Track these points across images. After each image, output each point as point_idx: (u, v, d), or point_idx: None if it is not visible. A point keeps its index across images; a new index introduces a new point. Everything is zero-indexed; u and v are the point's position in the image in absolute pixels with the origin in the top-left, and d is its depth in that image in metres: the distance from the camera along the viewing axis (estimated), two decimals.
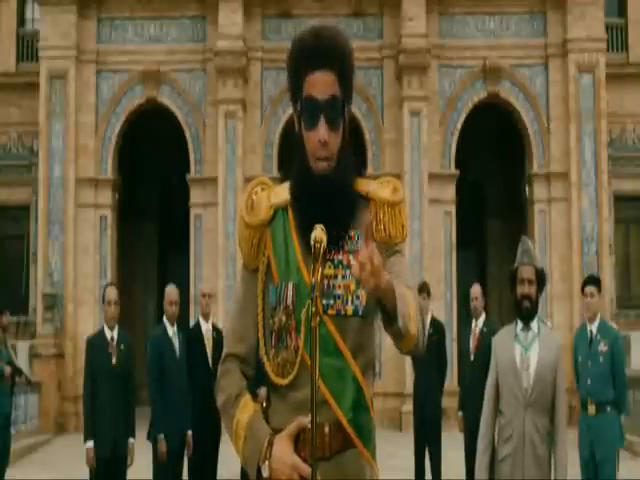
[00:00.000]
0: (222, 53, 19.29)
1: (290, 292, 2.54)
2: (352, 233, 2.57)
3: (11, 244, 22.18)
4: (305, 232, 2.49)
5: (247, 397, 2.60)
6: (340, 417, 2.50)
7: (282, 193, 2.64)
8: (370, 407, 2.58)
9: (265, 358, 2.59)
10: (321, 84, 2.50)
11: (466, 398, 9.46)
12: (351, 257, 2.54)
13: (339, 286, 2.54)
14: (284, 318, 2.54)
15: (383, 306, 2.38)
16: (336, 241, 2.53)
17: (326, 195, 2.52)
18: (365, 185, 2.63)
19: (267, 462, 2.45)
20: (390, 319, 2.40)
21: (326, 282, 2.53)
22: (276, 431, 2.50)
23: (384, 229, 2.59)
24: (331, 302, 2.53)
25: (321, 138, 2.50)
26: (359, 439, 2.53)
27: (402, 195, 2.62)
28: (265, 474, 2.46)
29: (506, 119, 20.81)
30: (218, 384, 2.65)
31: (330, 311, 2.52)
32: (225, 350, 2.67)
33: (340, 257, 2.55)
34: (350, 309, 2.53)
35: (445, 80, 19.92)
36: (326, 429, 2.49)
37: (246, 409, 2.56)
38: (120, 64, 20.02)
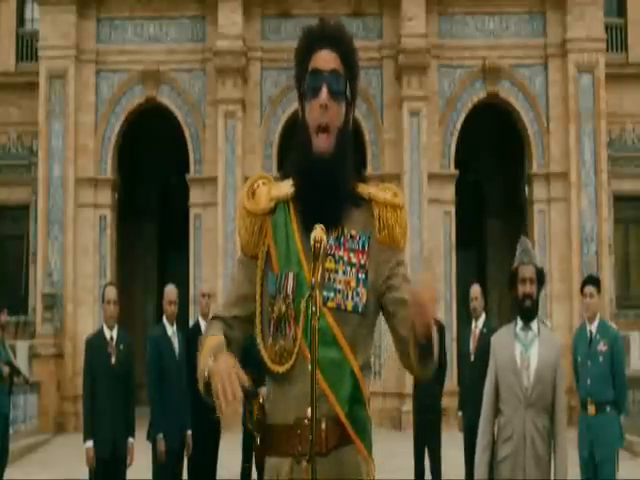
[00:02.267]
0: (222, 53, 19.29)
1: (290, 282, 2.56)
2: (354, 232, 2.59)
3: (11, 244, 22.18)
4: (306, 224, 2.52)
5: (220, 336, 2.59)
6: (338, 411, 2.51)
7: (283, 187, 2.67)
8: (367, 403, 2.59)
9: (262, 345, 2.60)
10: (325, 59, 2.61)
11: (466, 398, 9.46)
12: (352, 255, 2.57)
13: (339, 281, 2.56)
14: (283, 307, 2.55)
15: (414, 340, 2.40)
16: (337, 217, 2.56)
17: (325, 174, 2.55)
18: (366, 188, 2.66)
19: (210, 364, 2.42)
20: (422, 355, 2.42)
21: (327, 275, 2.55)
22: (276, 427, 2.52)
23: (387, 232, 2.61)
24: (331, 295, 2.55)
25: (322, 102, 2.56)
26: (356, 434, 2.54)
27: (402, 200, 2.66)
28: (205, 374, 2.42)
29: (506, 119, 20.81)
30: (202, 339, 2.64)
31: (330, 303, 2.54)
32: (211, 313, 2.73)
33: (341, 253, 2.58)
34: (350, 305, 2.55)
35: (445, 80, 19.92)
36: (323, 425, 2.49)
37: (213, 339, 2.55)
38: (120, 64, 20.02)
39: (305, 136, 2.60)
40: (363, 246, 2.59)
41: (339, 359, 2.52)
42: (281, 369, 2.54)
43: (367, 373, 2.60)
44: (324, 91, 2.57)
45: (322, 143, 2.57)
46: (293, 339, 2.53)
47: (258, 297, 2.62)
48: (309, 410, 2.36)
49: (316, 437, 2.43)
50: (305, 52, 2.65)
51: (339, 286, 2.56)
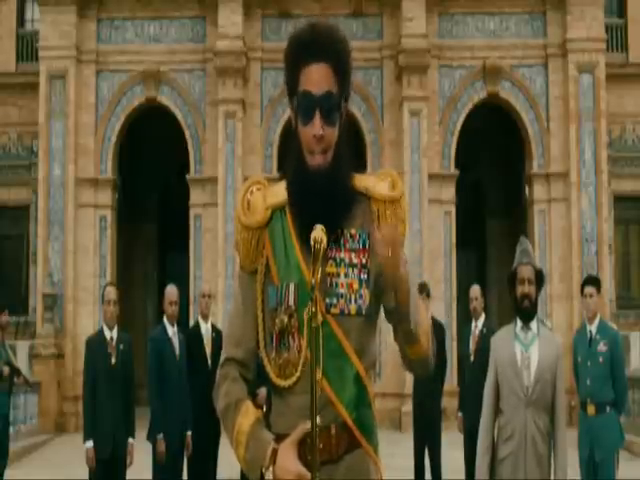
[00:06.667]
0: (222, 53, 19.29)
1: (292, 292, 2.50)
2: (353, 231, 2.54)
3: (11, 244, 22.18)
4: (304, 230, 2.46)
5: (248, 403, 2.56)
6: (345, 417, 2.48)
7: (279, 193, 2.59)
8: (372, 404, 2.56)
9: (266, 360, 2.55)
10: (317, 78, 2.47)
11: (466, 398, 9.46)
12: (353, 255, 2.52)
13: (342, 285, 2.50)
14: (286, 319, 2.50)
15: (394, 303, 2.41)
16: (334, 232, 2.49)
17: (321, 189, 2.47)
18: (364, 181, 2.58)
19: (271, 469, 2.42)
20: (400, 317, 2.43)
21: (329, 280, 2.50)
22: (280, 436, 2.47)
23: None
24: (334, 301, 2.49)
25: (316, 133, 2.46)
26: (364, 438, 2.51)
27: (401, 189, 2.58)
28: (263, 470, 2.43)
29: (506, 119, 20.81)
30: (217, 389, 2.61)
31: (333, 310, 2.49)
32: (223, 354, 2.64)
33: (342, 255, 2.52)
34: (353, 308, 2.50)
35: (445, 80, 19.92)
36: (332, 431, 2.46)
37: (247, 415, 2.52)
38: (120, 64, 20.02)
39: (299, 152, 2.52)
40: (364, 244, 2.53)
41: (344, 366, 2.48)
42: (286, 383, 2.49)
43: (371, 374, 2.57)
44: (317, 121, 2.45)
45: (317, 161, 2.49)
46: (297, 351, 2.48)
47: (259, 312, 2.57)
48: (318, 419, 2.33)
49: (326, 444, 2.43)
50: (295, 62, 2.52)
51: (341, 290, 2.50)
